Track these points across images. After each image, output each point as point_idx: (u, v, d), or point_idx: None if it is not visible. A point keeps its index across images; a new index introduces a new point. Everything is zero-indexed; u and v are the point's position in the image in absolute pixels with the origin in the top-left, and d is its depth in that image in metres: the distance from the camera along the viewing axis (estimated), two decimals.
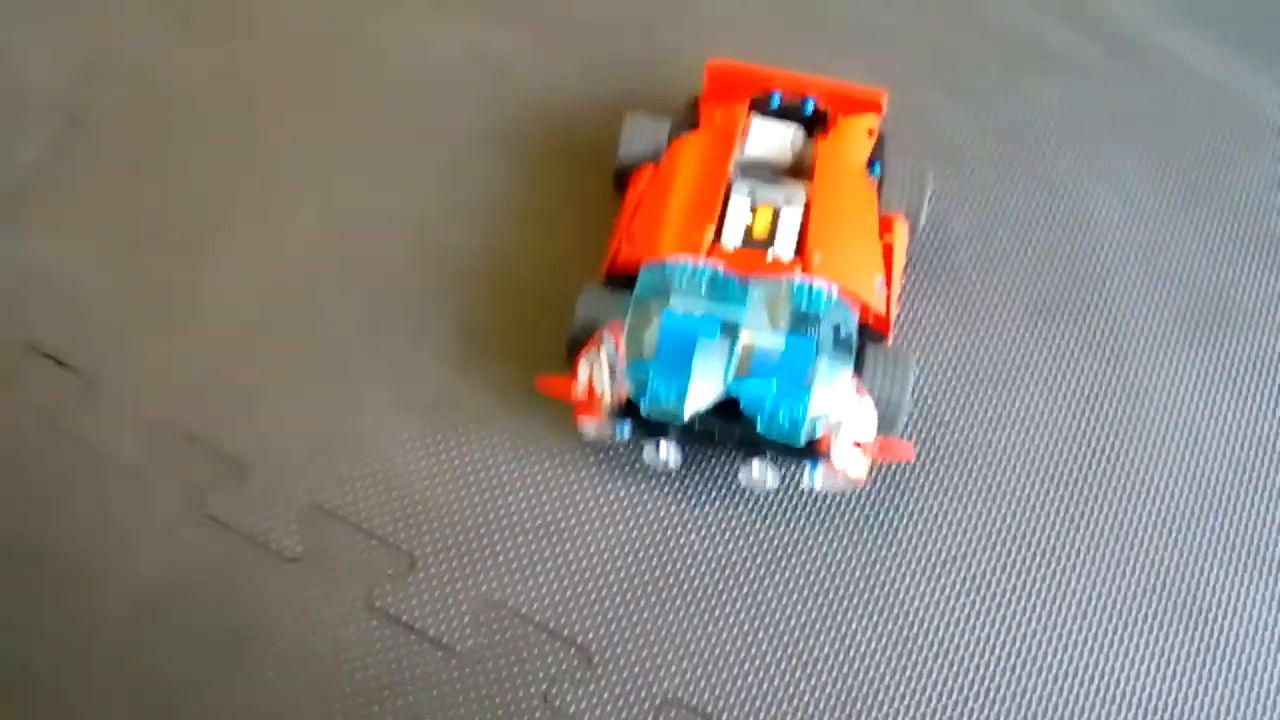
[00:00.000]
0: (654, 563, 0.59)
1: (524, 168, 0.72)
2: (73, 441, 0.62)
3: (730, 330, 0.56)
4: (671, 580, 0.59)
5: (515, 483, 0.62)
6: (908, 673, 0.56)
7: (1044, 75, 0.79)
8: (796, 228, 0.60)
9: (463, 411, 0.64)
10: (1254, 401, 0.66)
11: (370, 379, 0.65)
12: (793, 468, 0.59)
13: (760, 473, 0.57)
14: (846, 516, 0.61)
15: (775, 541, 0.60)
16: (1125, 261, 0.71)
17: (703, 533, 0.60)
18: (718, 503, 0.61)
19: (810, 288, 0.57)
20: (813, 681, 0.56)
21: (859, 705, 0.55)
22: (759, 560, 0.59)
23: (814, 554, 0.60)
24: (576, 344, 0.59)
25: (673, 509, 0.61)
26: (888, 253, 0.62)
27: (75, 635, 0.57)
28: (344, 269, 0.68)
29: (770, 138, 0.66)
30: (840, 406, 0.55)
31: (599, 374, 0.57)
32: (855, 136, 0.66)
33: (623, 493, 0.61)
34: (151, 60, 0.77)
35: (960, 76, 0.79)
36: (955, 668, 0.57)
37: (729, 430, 0.56)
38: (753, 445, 0.57)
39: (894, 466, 0.62)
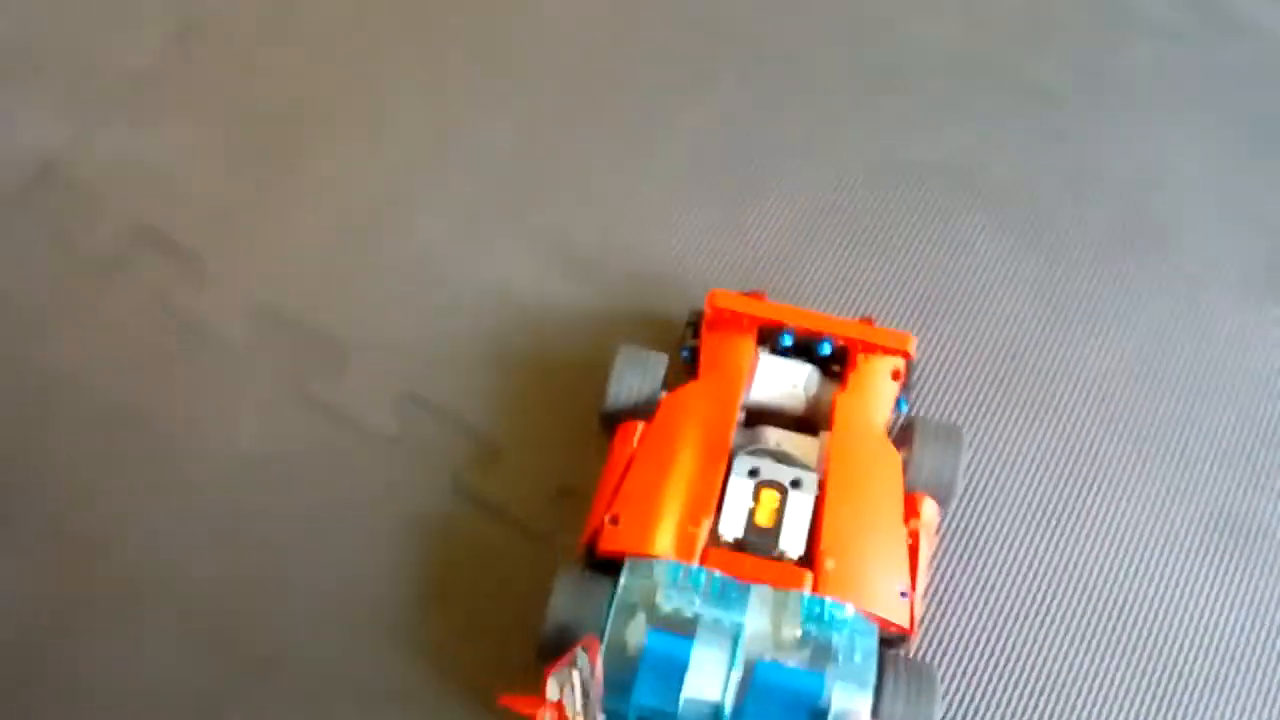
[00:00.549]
0: None
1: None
2: (181, 321, 0.65)
3: (728, 646, 0.48)
4: None
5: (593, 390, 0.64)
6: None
7: (1134, 38, 0.79)
8: (807, 518, 0.51)
9: (551, 302, 0.66)
10: None
11: (465, 279, 0.67)
12: None
13: None
14: None
15: None
16: (1202, 211, 0.71)
17: None
18: None
19: (824, 603, 0.49)
20: None
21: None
22: None
23: None
24: (549, 649, 0.49)
25: None
26: (915, 545, 0.52)
27: (174, 496, 0.60)
28: (441, 178, 0.71)
29: (781, 379, 0.58)
30: None
31: (570, 699, 0.47)
32: (876, 383, 0.57)
33: None
34: None
35: (1049, 29, 0.79)
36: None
37: None
38: None
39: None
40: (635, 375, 0.57)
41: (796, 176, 0.72)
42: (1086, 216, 0.71)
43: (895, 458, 0.54)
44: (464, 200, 0.70)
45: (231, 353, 0.65)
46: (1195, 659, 0.56)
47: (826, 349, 0.58)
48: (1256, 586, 0.59)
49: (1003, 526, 0.60)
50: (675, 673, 0.47)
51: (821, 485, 0.52)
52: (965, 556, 0.59)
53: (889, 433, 0.57)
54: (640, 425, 0.55)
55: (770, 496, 0.52)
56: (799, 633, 0.48)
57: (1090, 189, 0.72)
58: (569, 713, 0.47)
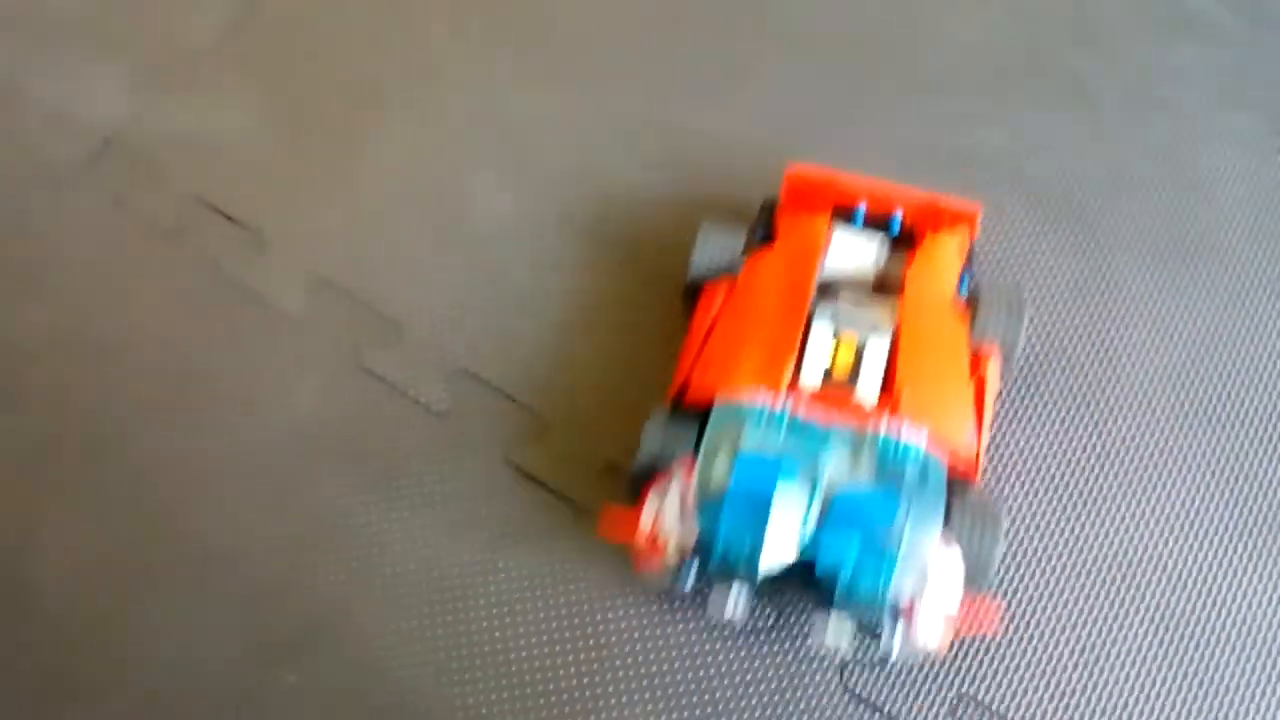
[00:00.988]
0: None
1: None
2: (240, 290, 0.67)
3: (809, 479, 0.50)
4: None
5: (644, 369, 0.66)
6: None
7: (1181, 39, 0.79)
8: (882, 364, 0.55)
9: (602, 298, 0.68)
10: None
11: (516, 255, 0.69)
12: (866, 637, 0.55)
13: (834, 635, 0.50)
14: None
15: None
16: (1242, 214, 0.72)
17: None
18: None
19: (898, 442, 0.52)
20: None
21: None
22: None
23: None
24: (641, 478, 0.53)
25: None
26: (980, 389, 0.56)
27: (234, 458, 0.62)
28: (494, 155, 0.72)
29: (853, 252, 0.60)
30: (924, 572, 0.49)
31: (666, 515, 0.51)
32: (946, 258, 0.60)
33: None
34: None
35: (1101, 27, 0.79)
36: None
37: (805, 590, 0.50)
38: (829, 600, 0.50)
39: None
40: (716, 246, 0.60)
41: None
42: (1128, 218, 0.72)
43: (961, 316, 0.58)
44: (517, 177, 0.72)
45: (290, 322, 0.66)
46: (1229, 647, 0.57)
47: (896, 228, 0.60)
48: None
49: (1038, 518, 0.61)
50: (761, 502, 0.49)
51: (894, 338, 0.55)
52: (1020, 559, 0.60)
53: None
54: (723, 287, 0.58)
55: (848, 343, 0.55)
56: (874, 469, 0.51)
57: (1132, 190, 0.73)
58: (664, 530, 0.50)
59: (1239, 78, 0.77)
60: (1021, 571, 0.60)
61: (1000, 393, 0.60)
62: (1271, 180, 0.73)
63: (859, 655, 0.55)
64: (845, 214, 0.61)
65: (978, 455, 0.54)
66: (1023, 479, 0.62)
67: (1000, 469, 0.62)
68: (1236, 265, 0.70)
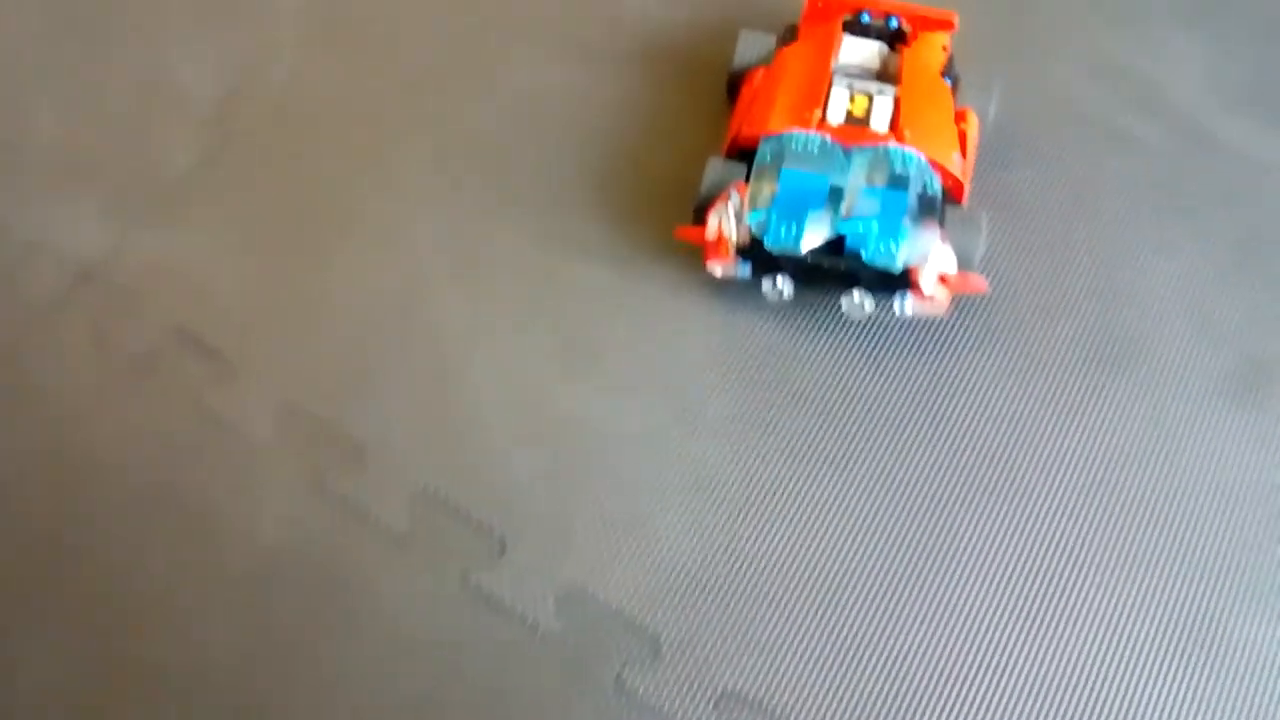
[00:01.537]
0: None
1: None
2: (212, 417, 0.70)
3: (837, 185, 0.69)
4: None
5: (599, 475, 0.68)
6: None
7: (1112, 154, 0.83)
8: (889, 111, 0.74)
9: (565, 405, 0.71)
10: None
11: (478, 376, 0.71)
12: (886, 300, 0.71)
13: (860, 299, 0.70)
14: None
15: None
16: (1171, 324, 0.76)
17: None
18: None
19: (904, 153, 0.71)
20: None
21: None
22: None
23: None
24: (704, 204, 0.72)
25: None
26: (963, 137, 0.75)
27: (201, 584, 0.64)
28: (456, 275, 0.76)
29: (860, 50, 0.79)
30: (927, 246, 0.68)
31: (727, 222, 0.70)
32: (932, 48, 0.79)
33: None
34: (296, 79, 0.85)
35: (1035, 142, 0.84)
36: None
37: (836, 262, 0.68)
38: (854, 280, 0.69)
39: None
40: (753, 46, 0.80)
41: None
42: (1059, 329, 0.75)
43: (946, 85, 0.77)
44: (480, 299, 0.75)
45: (257, 448, 0.69)
46: None
47: (894, 23, 0.79)
48: (1222, 695, 0.61)
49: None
50: (806, 195, 0.69)
51: (896, 95, 0.74)
52: None
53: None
54: (760, 71, 0.78)
55: (862, 98, 0.74)
56: (886, 175, 0.70)
57: (1063, 302, 0.76)
58: (726, 233, 0.70)
59: (1166, 195, 0.82)
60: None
61: (977, 146, 0.78)
62: (1196, 289, 0.77)
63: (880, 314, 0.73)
64: (854, 25, 0.80)
65: (964, 181, 0.73)
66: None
67: None
68: (1164, 373, 0.74)
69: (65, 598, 0.64)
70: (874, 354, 0.74)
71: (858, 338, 0.74)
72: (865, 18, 0.79)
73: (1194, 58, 0.88)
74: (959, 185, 0.73)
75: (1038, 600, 0.65)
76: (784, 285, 0.71)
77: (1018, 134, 0.83)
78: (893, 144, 0.71)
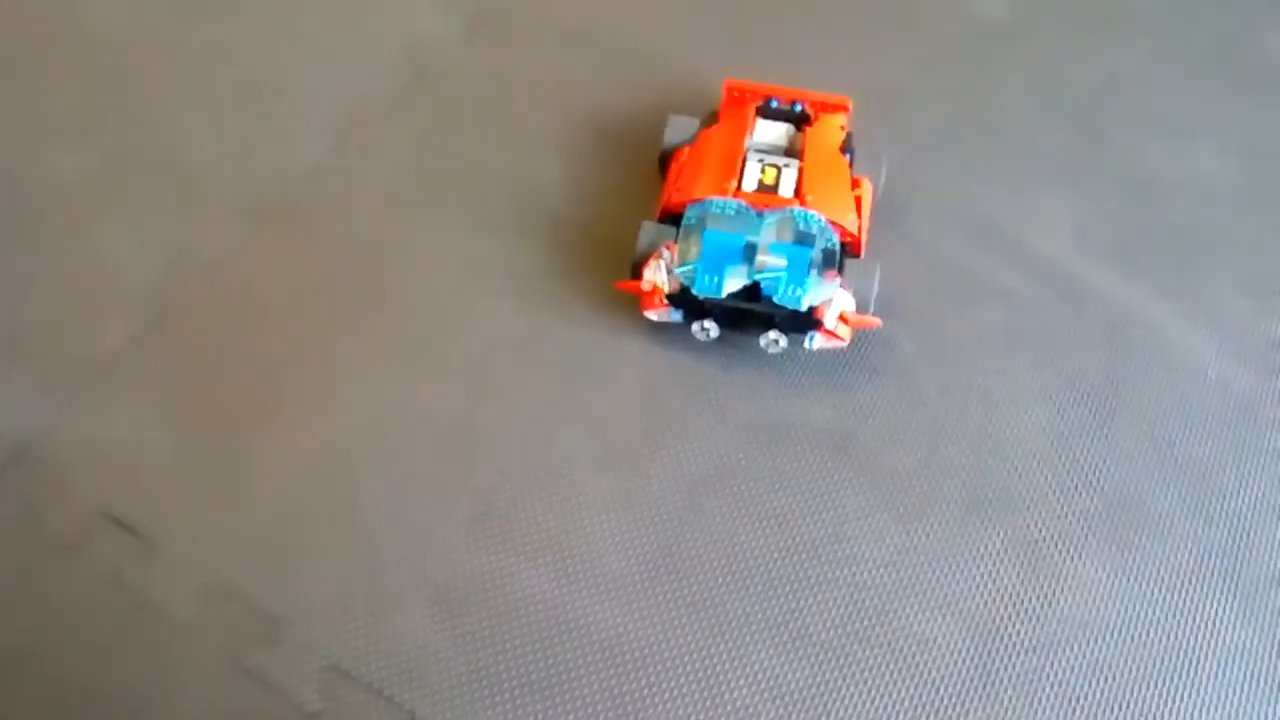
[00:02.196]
0: None
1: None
2: (134, 600, 0.72)
3: (752, 241, 0.82)
4: None
5: (512, 651, 0.71)
6: None
7: (983, 307, 0.90)
8: (794, 180, 0.87)
9: (476, 577, 0.74)
10: (1158, 602, 0.75)
11: (395, 554, 0.75)
12: (798, 338, 0.84)
13: (775, 336, 0.83)
14: None
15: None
16: (1041, 471, 0.81)
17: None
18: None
19: (807, 214, 0.84)
20: None
21: None
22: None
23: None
24: (640, 261, 0.85)
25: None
26: (859, 201, 0.89)
27: None
28: (380, 452, 0.80)
29: (771, 130, 0.94)
30: (829, 291, 0.82)
31: (660, 275, 0.83)
32: (831, 128, 0.93)
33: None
34: (227, 259, 0.90)
35: (909, 298, 0.91)
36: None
37: (753, 306, 0.81)
38: (769, 321, 0.82)
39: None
40: (680, 127, 0.93)
41: None
42: (942, 480, 0.80)
43: (843, 158, 0.91)
44: (402, 478, 0.79)
45: (178, 628, 0.71)
46: None
47: (798, 108, 0.94)
48: None
49: None
50: (725, 251, 0.82)
51: (800, 167, 0.88)
52: None
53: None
54: (685, 149, 0.91)
55: (772, 169, 0.88)
56: (793, 233, 0.83)
57: (945, 454, 0.82)
58: (659, 284, 0.83)
59: (1033, 345, 0.88)
60: None
61: (873, 203, 0.92)
62: (1069, 437, 0.83)
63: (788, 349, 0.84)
64: (765, 109, 0.94)
65: (860, 236, 0.87)
66: None
67: None
68: (1036, 518, 0.79)
69: None
70: (763, 509, 0.78)
71: (749, 491, 0.79)
72: (774, 103, 0.94)
73: (1061, 214, 0.96)
74: (856, 241, 0.87)
75: None
76: (710, 327, 0.84)
77: (892, 289, 0.89)
78: (798, 207, 0.85)
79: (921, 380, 0.85)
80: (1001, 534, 0.78)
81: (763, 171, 0.88)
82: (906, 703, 0.71)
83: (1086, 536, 0.78)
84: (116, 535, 0.75)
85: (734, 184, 0.87)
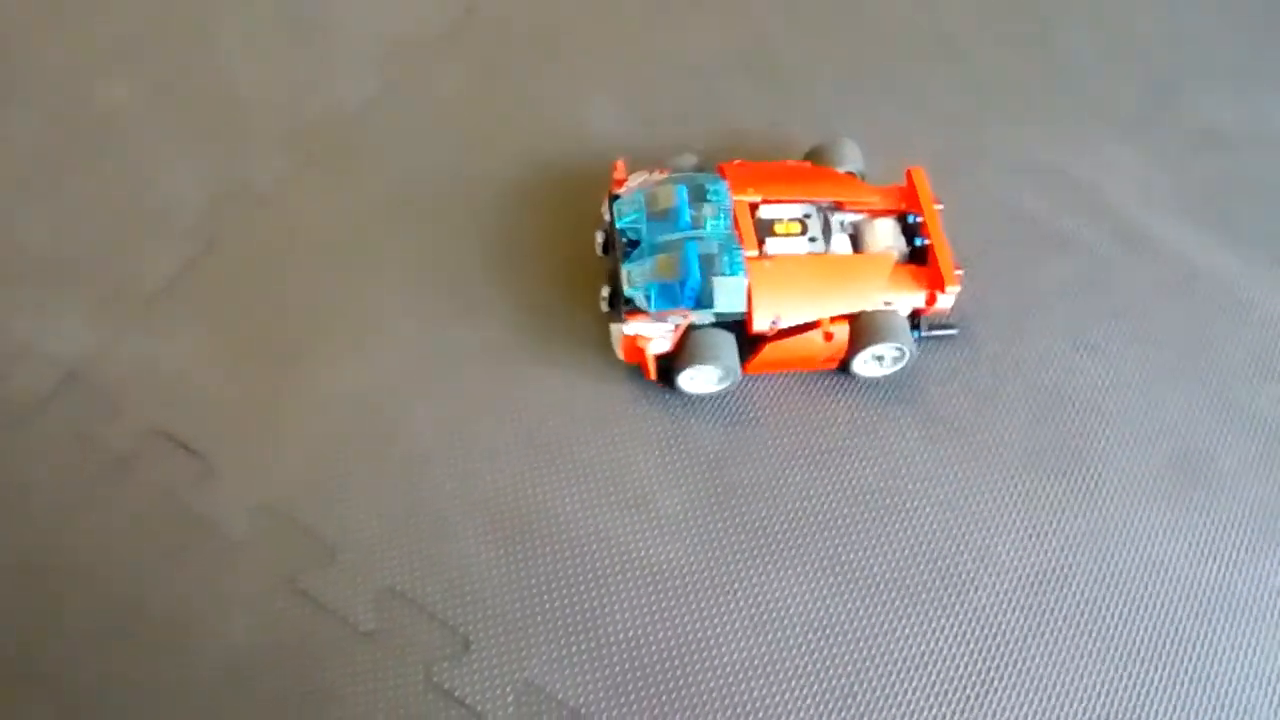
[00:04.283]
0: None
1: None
2: (188, 517, 0.72)
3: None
4: None
5: (562, 579, 0.71)
6: None
7: (1051, 257, 0.88)
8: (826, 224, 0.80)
9: (527, 505, 0.73)
10: (1219, 557, 0.73)
11: (448, 482, 0.75)
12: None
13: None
14: None
15: None
16: (1106, 422, 0.80)
17: None
18: None
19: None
20: None
21: None
22: None
23: None
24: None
25: None
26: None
27: (173, 686, 0.67)
28: (429, 384, 0.79)
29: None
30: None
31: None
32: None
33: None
34: (276, 193, 0.90)
35: (973, 245, 0.89)
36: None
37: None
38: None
39: None
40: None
41: None
42: (998, 429, 0.79)
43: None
44: (448, 403, 0.78)
45: (232, 547, 0.71)
46: None
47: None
48: None
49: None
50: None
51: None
52: None
53: None
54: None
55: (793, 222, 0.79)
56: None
57: (1002, 402, 0.80)
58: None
59: (1106, 294, 0.86)
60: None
61: None
62: (1136, 391, 0.81)
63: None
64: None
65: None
66: None
67: None
68: (1100, 470, 0.77)
69: (36, 706, 0.66)
70: (818, 454, 0.77)
71: (803, 428, 0.78)
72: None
73: (1128, 165, 0.94)
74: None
75: (974, 696, 0.67)
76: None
77: (958, 239, 0.87)
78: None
79: (982, 329, 0.84)
80: (1058, 485, 0.77)
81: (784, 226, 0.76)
82: (956, 645, 0.69)
83: (1147, 490, 0.77)
84: (171, 454, 0.75)
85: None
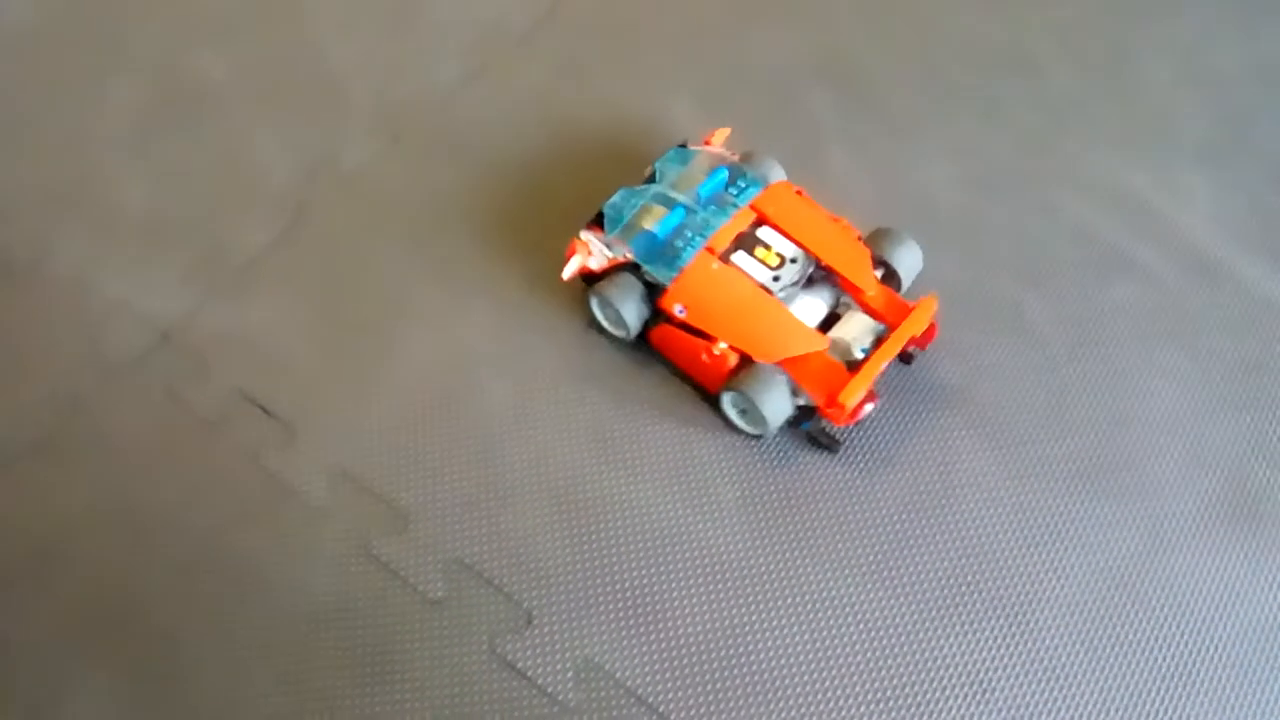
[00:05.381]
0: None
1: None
2: (270, 478, 0.76)
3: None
4: None
5: (624, 562, 0.73)
6: None
7: (1117, 280, 0.89)
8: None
9: (593, 489, 0.76)
10: (1275, 586, 0.74)
11: (520, 460, 0.77)
12: None
13: None
14: None
15: None
16: (1167, 448, 0.80)
17: None
18: None
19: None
20: None
21: None
22: None
23: None
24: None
25: None
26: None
27: (247, 634, 0.70)
28: (500, 360, 0.82)
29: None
30: None
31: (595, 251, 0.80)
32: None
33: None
34: (363, 170, 0.92)
35: (1041, 263, 0.90)
36: None
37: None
38: None
39: None
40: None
41: None
42: (1057, 447, 0.80)
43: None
44: (521, 385, 0.81)
45: (311, 510, 0.74)
46: None
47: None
48: None
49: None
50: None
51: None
52: None
53: None
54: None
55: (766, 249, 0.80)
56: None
57: (1067, 420, 0.81)
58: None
59: (1170, 322, 0.87)
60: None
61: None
62: (1193, 415, 0.82)
63: None
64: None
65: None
66: None
67: None
68: (1158, 495, 0.78)
69: (117, 642, 0.70)
70: (877, 458, 0.79)
71: (865, 433, 0.80)
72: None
73: (1200, 194, 0.94)
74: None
75: (1026, 714, 0.68)
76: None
77: (1026, 256, 0.88)
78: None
79: (1048, 345, 0.85)
80: (1116, 506, 0.77)
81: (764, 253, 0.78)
82: (1005, 660, 0.71)
83: (1205, 519, 0.77)
84: (256, 417, 0.78)
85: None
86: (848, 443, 0.79)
